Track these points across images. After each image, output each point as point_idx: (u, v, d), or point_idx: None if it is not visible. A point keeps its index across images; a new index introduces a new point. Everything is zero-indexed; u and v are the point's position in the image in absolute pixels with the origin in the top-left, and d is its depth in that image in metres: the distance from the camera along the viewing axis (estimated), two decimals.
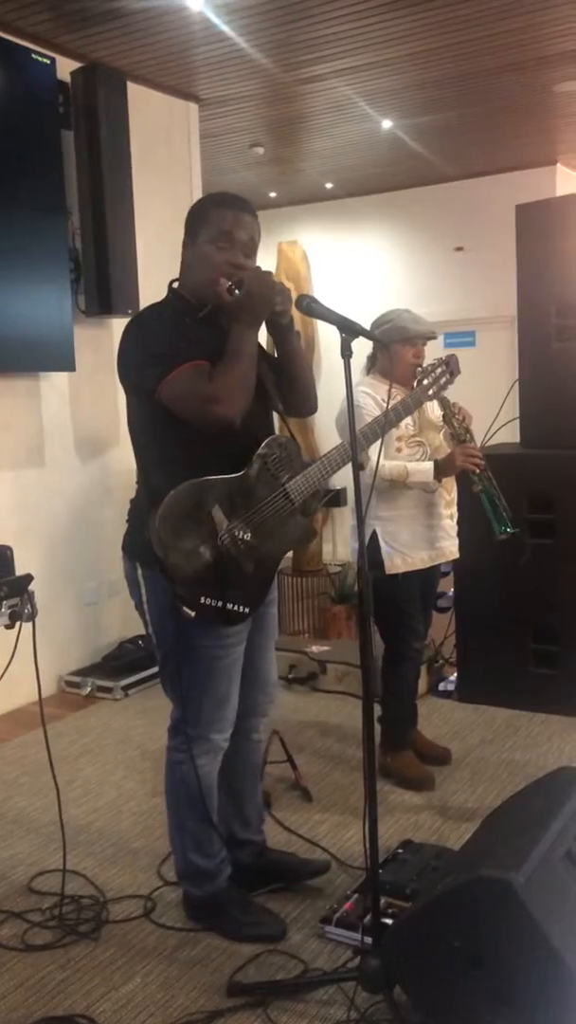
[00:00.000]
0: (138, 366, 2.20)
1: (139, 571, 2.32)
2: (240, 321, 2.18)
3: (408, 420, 3.16)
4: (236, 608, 2.24)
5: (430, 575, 3.36)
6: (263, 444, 2.29)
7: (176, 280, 2.35)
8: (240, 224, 2.25)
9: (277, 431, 2.40)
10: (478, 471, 3.20)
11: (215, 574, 2.19)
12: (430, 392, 2.83)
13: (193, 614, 2.17)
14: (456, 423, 3.20)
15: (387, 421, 2.63)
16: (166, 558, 2.13)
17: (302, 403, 2.48)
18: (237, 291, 2.17)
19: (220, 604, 2.21)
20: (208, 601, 2.19)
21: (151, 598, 2.31)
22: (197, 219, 2.28)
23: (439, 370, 2.86)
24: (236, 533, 2.21)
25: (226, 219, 2.24)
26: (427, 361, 3.13)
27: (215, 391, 2.12)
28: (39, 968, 2.34)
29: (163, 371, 2.13)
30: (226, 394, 2.12)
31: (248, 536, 2.24)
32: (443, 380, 2.87)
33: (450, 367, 2.89)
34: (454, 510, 3.34)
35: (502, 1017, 1.81)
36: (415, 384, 2.98)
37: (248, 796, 2.61)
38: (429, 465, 3.15)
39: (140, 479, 2.32)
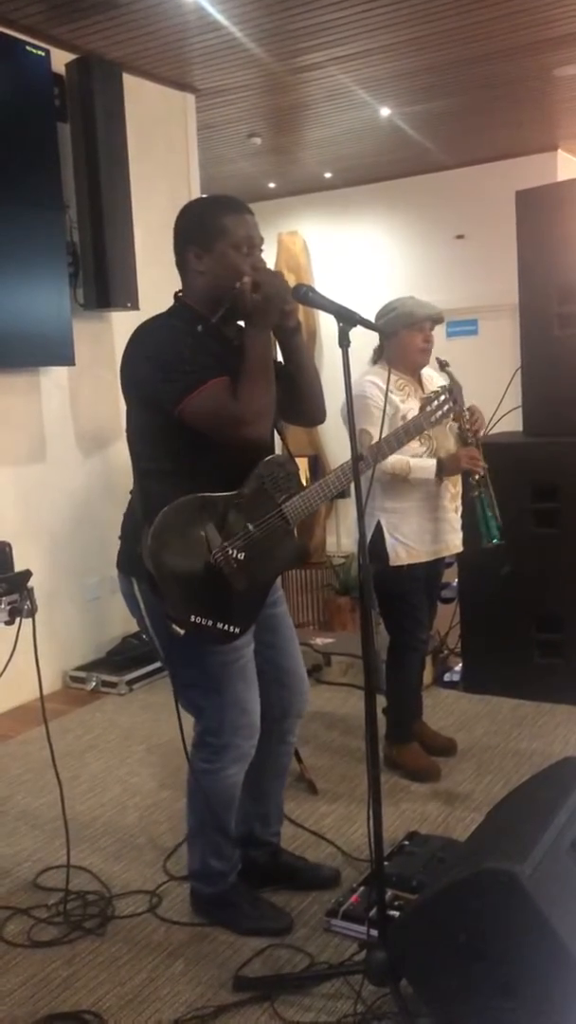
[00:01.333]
0: (154, 380, 2.13)
1: (135, 586, 2.29)
2: (255, 324, 2.15)
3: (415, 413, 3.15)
4: (226, 628, 2.19)
5: (434, 568, 3.35)
6: (261, 463, 2.25)
7: (180, 291, 2.31)
8: (254, 227, 2.25)
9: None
10: (479, 476, 3.19)
11: (206, 592, 2.15)
12: (432, 419, 2.81)
13: (183, 632, 2.14)
14: (467, 425, 3.18)
15: (384, 447, 2.61)
16: (158, 575, 2.10)
17: (313, 412, 2.44)
18: (255, 294, 2.15)
19: (210, 623, 2.17)
20: (198, 620, 2.15)
21: (151, 612, 2.27)
22: (210, 228, 2.22)
23: (443, 398, 2.83)
24: (229, 552, 2.17)
25: (243, 224, 2.23)
26: (436, 343, 3.15)
27: (244, 412, 2.09)
28: (45, 964, 2.34)
29: (184, 388, 2.09)
30: (254, 414, 2.10)
31: (241, 556, 2.19)
32: (446, 407, 2.83)
33: (454, 395, 2.87)
34: (459, 503, 3.32)
35: (508, 1009, 1.80)
36: (421, 408, 2.94)
37: (273, 796, 2.59)
38: (432, 463, 3.13)
39: (135, 488, 2.28)
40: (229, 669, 2.28)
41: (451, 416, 2.89)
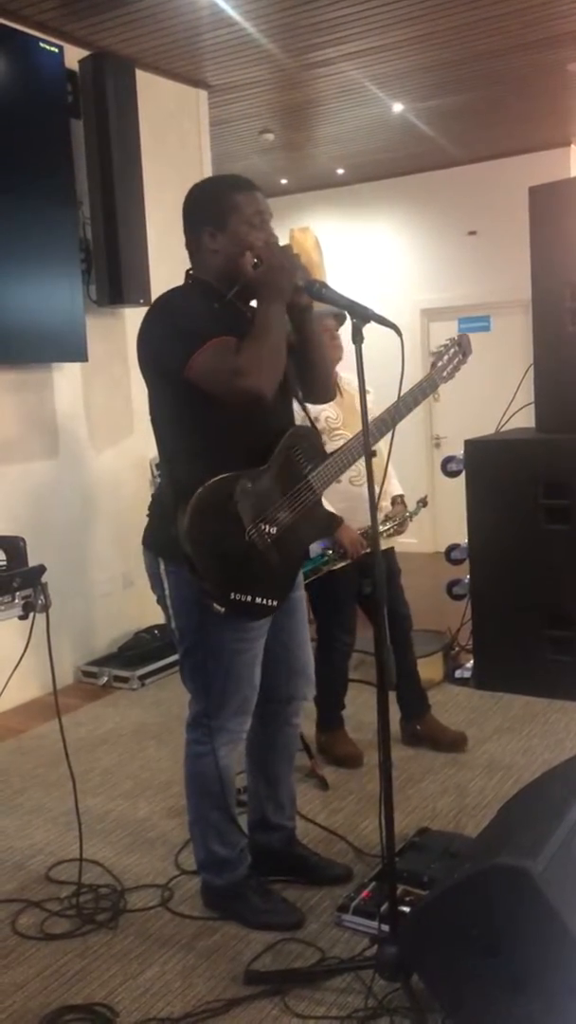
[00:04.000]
0: (163, 348, 2.18)
1: (162, 566, 2.31)
2: (264, 297, 2.17)
3: (330, 412, 3.16)
4: (265, 602, 2.25)
5: (365, 559, 3.32)
6: (286, 436, 2.29)
7: (192, 269, 2.32)
8: (263, 201, 2.28)
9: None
10: (345, 558, 3.20)
11: (243, 569, 2.19)
12: (444, 374, 2.79)
13: (223, 610, 2.17)
14: (396, 518, 3.29)
15: (402, 407, 2.59)
16: (196, 556, 2.13)
17: (322, 389, 2.49)
18: (258, 268, 2.18)
19: (249, 599, 2.21)
20: (237, 596, 2.19)
21: (175, 592, 2.30)
22: (222, 206, 2.24)
23: (452, 351, 2.81)
24: (262, 527, 2.21)
25: (253, 200, 2.26)
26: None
27: (242, 364, 2.10)
28: (58, 957, 2.36)
29: (191, 349, 2.11)
30: (253, 366, 2.10)
31: (274, 529, 2.23)
32: (456, 361, 2.82)
33: (463, 347, 2.85)
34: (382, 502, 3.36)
35: (520, 1004, 1.80)
36: (431, 366, 2.92)
37: (283, 780, 2.62)
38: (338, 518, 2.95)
39: (164, 472, 2.32)
40: (243, 656, 2.31)
41: (461, 367, 2.85)
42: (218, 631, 2.25)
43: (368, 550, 3.15)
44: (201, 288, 2.28)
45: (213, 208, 2.26)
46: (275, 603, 2.28)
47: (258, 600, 2.23)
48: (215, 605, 2.17)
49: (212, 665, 2.30)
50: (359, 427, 3.11)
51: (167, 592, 2.33)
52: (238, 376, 2.09)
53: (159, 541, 2.32)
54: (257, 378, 2.11)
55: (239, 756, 2.50)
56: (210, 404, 2.14)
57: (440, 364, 2.78)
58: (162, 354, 2.19)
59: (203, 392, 2.13)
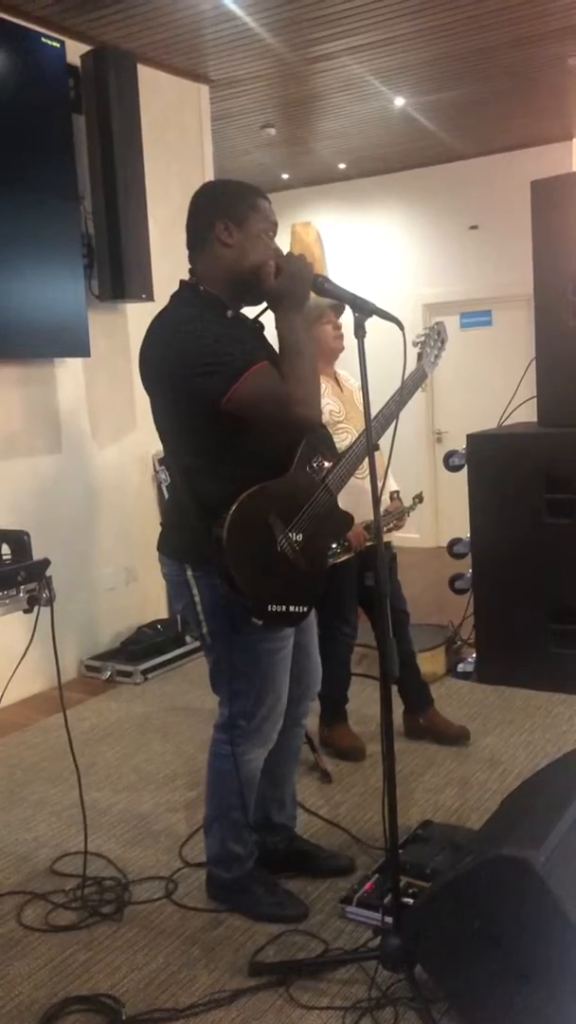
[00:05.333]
0: (192, 374, 2.09)
1: (189, 572, 2.29)
2: (286, 307, 2.15)
3: (333, 406, 3.17)
4: (299, 609, 2.27)
5: (367, 554, 3.34)
6: (304, 442, 2.28)
7: (192, 275, 2.28)
8: (274, 214, 2.28)
9: None
10: (350, 551, 3.19)
11: (278, 580, 2.20)
12: (432, 360, 2.84)
13: (261, 623, 2.19)
14: (391, 520, 3.29)
15: (402, 398, 2.61)
16: (237, 574, 2.12)
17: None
18: (278, 278, 2.17)
19: (285, 608, 2.22)
20: (274, 608, 2.20)
21: (204, 598, 2.28)
22: (243, 203, 2.22)
23: (433, 339, 2.85)
24: (291, 535, 2.22)
25: (271, 211, 2.26)
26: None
27: (293, 391, 2.08)
28: (63, 948, 2.37)
29: (229, 378, 2.07)
30: (304, 393, 2.10)
31: (300, 537, 2.24)
32: (438, 348, 2.87)
33: (441, 335, 2.89)
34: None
35: (522, 995, 1.82)
36: (418, 356, 2.94)
37: (288, 779, 2.62)
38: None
39: (181, 482, 2.28)
40: (275, 656, 2.31)
41: (442, 354, 2.92)
42: (252, 635, 2.25)
43: (371, 542, 3.16)
44: (208, 302, 2.22)
45: (233, 203, 2.22)
46: (307, 609, 2.30)
47: (292, 608, 2.24)
48: (254, 619, 2.18)
49: (246, 668, 2.29)
50: (359, 420, 3.17)
51: (196, 598, 2.29)
52: (291, 405, 2.08)
53: (184, 548, 2.29)
54: (309, 406, 2.12)
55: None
56: (240, 425, 2.12)
57: (425, 353, 2.83)
58: (196, 388, 2.10)
59: (241, 418, 2.11)
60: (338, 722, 3.52)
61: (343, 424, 3.19)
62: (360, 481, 3.07)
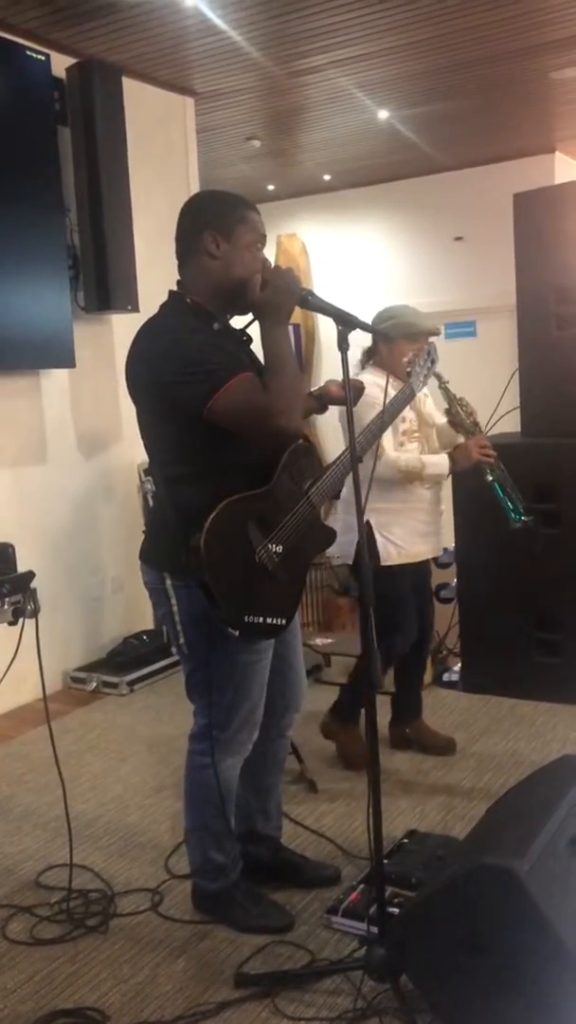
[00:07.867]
0: (179, 390, 2.11)
1: (168, 581, 2.29)
2: (272, 319, 2.16)
3: (411, 415, 3.20)
4: (276, 621, 2.25)
5: (421, 570, 3.39)
6: (287, 454, 2.28)
7: (180, 286, 2.29)
8: (263, 227, 2.28)
9: None
10: (492, 462, 3.22)
11: (255, 591, 2.19)
12: (421, 380, 2.88)
13: (237, 633, 2.18)
14: (464, 416, 3.22)
15: (386, 418, 2.64)
16: (213, 582, 2.12)
17: None
18: (264, 290, 2.19)
19: (262, 620, 2.21)
20: (251, 619, 2.19)
21: (182, 607, 2.28)
22: (232, 215, 2.23)
23: (423, 359, 2.89)
24: (270, 547, 2.21)
25: (260, 223, 2.26)
26: None
27: (274, 402, 2.09)
28: (48, 962, 2.36)
29: (211, 387, 2.08)
30: (285, 404, 2.10)
31: (280, 548, 2.23)
32: (427, 368, 2.91)
33: (431, 356, 2.93)
34: (442, 507, 3.39)
35: (507, 1004, 1.82)
36: (407, 375, 2.98)
37: (273, 791, 2.62)
38: (444, 459, 3.18)
39: (164, 492, 2.29)
40: (252, 668, 2.31)
41: (431, 376, 2.97)
42: (229, 646, 2.25)
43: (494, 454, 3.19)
44: (194, 313, 2.24)
45: (222, 214, 2.23)
46: (285, 622, 2.28)
47: (269, 620, 2.23)
48: (229, 629, 2.17)
49: (222, 679, 2.29)
50: (427, 431, 3.25)
51: (174, 607, 2.30)
52: (271, 416, 2.08)
53: (163, 556, 2.29)
54: (289, 417, 2.11)
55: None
56: (222, 434, 2.14)
57: (414, 372, 2.86)
58: (172, 391, 2.13)
59: (222, 427, 2.12)
60: (349, 725, 3.45)
61: (417, 433, 3.25)
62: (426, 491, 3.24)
